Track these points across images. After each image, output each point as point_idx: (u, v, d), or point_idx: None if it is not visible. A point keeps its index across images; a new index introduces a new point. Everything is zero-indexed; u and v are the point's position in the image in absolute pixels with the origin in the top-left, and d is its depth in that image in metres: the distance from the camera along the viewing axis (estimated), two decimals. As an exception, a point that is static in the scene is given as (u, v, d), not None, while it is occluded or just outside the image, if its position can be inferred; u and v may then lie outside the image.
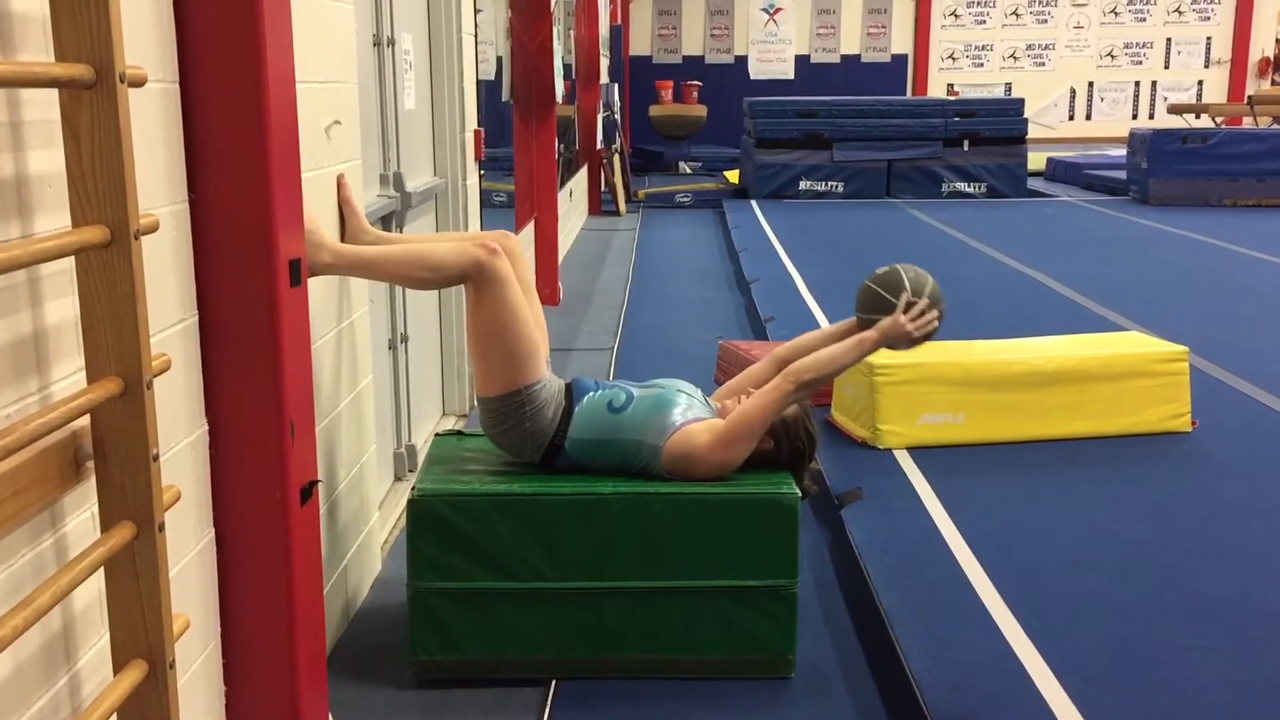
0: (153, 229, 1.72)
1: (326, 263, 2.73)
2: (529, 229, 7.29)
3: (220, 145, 2.15)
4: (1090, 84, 21.33)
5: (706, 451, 2.80)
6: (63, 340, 1.72)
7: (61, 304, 1.72)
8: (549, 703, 2.74)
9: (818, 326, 6.41)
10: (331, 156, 2.91)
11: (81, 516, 1.77)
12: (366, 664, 2.91)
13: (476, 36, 5.20)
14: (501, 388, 2.83)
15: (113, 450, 1.66)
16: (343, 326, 3.05)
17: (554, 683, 2.81)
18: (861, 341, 2.91)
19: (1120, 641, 2.85)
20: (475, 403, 4.95)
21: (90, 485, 1.73)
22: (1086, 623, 2.94)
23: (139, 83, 1.65)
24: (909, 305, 2.90)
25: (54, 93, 1.61)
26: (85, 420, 1.67)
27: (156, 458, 1.68)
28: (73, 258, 1.62)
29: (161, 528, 1.70)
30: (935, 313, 2.93)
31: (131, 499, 1.67)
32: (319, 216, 2.76)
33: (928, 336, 2.94)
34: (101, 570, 1.68)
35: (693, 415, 2.88)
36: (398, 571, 3.28)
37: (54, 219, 1.68)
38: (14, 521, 1.56)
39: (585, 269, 9.07)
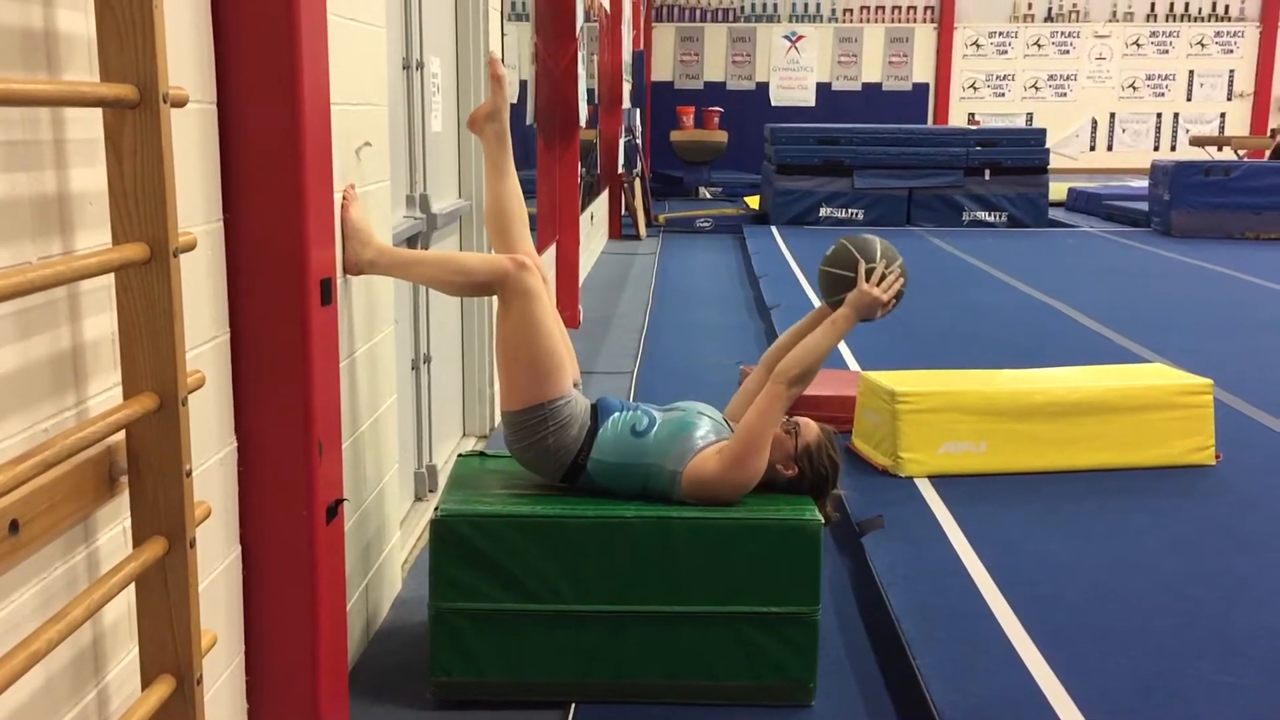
0: (191, 247, 1.74)
1: (370, 260, 2.79)
2: (551, 251, 7.32)
3: (255, 165, 2.18)
4: (1112, 115, 21.32)
5: (719, 475, 2.80)
6: (100, 356, 1.74)
7: (100, 320, 1.74)
8: (568, 726, 2.73)
9: (838, 353, 6.43)
10: (361, 178, 2.94)
11: (114, 531, 1.78)
12: (387, 684, 2.91)
13: (502, 60, 5.24)
14: (524, 402, 2.85)
15: (146, 465, 1.67)
16: (369, 346, 3.06)
17: (573, 706, 2.80)
18: (835, 322, 2.90)
19: (1145, 675, 2.83)
20: (496, 424, 4.97)
21: (123, 500, 1.74)
22: (1111, 656, 2.92)
23: (181, 103, 1.68)
24: (869, 273, 2.91)
25: (97, 111, 1.64)
26: (120, 435, 1.68)
27: (189, 474, 1.70)
28: (112, 274, 1.64)
29: (193, 543, 1.71)
30: (897, 271, 2.93)
31: (164, 514, 1.68)
32: (363, 220, 2.80)
33: (897, 297, 2.94)
34: (132, 585, 1.69)
35: (712, 438, 2.88)
36: (418, 591, 3.29)
37: (94, 236, 1.70)
38: (49, 535, 1.57)
39: (605, 292, 9.09)
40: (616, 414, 2.92)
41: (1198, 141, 16.08)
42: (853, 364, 6.08)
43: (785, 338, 3.12)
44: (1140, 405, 4.42)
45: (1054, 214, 14.24)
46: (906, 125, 15.16)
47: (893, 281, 2.92)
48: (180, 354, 1.66)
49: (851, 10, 20.80)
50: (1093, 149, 21.40)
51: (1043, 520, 3.89)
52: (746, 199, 15.55)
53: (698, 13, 20.89)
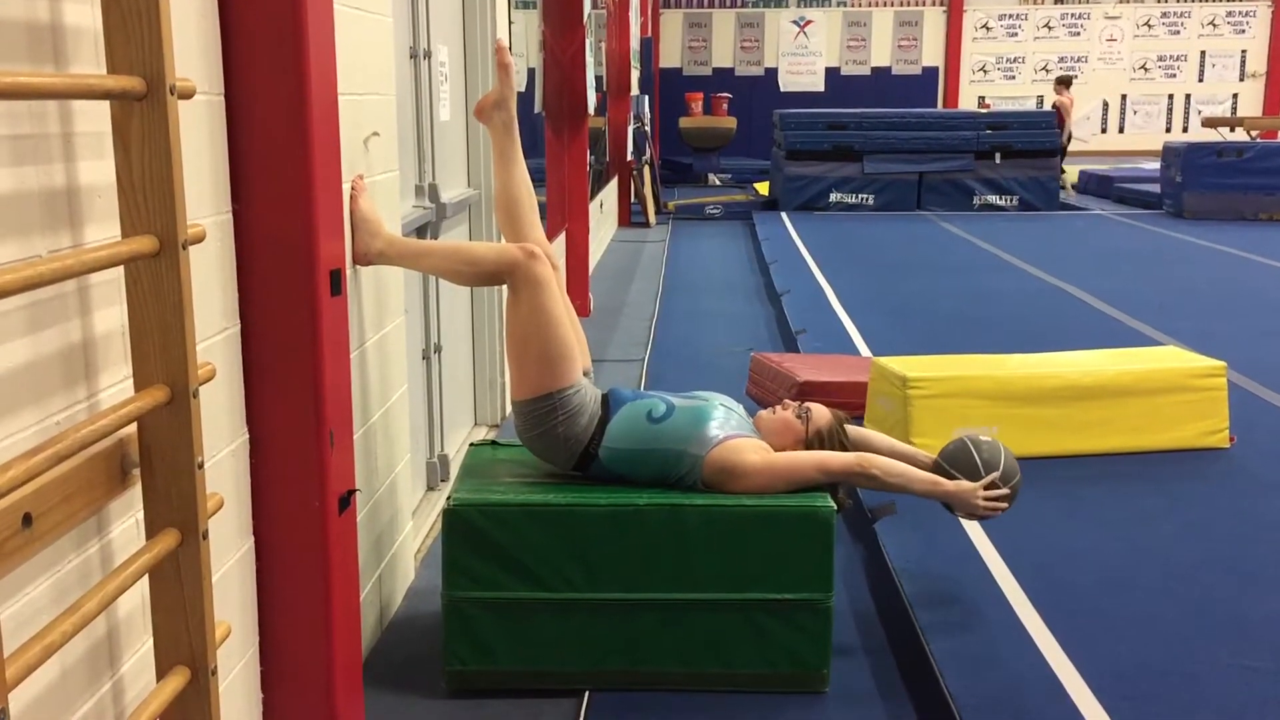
0: (200, 239, 1.74)
1: (379, 250, 2.80)
2: (560, 240, 7.31)
3: (263, 157, 2.18)
4: (1123, 97, 21.21)
5: (752, 472, 2.80)
6: (111, 349, 1.74)
7: (110, 313, 1.74)
8: (582, 714, 2.74)
9: (849, 339, 6.42)
10: (369, 168, 2.93)
11: (126, 524, 1.79)
12: (400, 673, 2.92)
13: (510, 48, 5.23)
14: (534, 390, 2.85)
15: (159, 458, 1.67)
16: (379, 337, 3.06)
17: (587, 694, 2.81)
18: (937, 483, 2.97)
19: (1160, 660, 2.82)
20: (508, 413, 4.97)
21: (136, 492, 1.75)
22: (1125, 641, 2.91)
23: (188, 95, 1.67)
24: (992, 484, 2.97)
25: (104, 104, 1.63)
26: (132, 428, 1.68)
27: (201, 466, 1.70)
28: (122, 267, 1.64)
29: (205, 535, 1.71)
30: (1006, 504, 3.01)
31: (176, 506, 1.69)
32: (372, 210, 2.80)
33: (985, 518, 3.06)
34: (146, 577, 1.70)
35: (732, 428, 2.88)
36: (430, 581, 3.29)
37: (103, 229, 1.70)
38: (62, 528, 1.58)
39: (615, 280, 9.08)
40: (630, 402, 2.92)
41: (1210, 123, 15.99)
42: (864, 350, 6.07)
43: (879, 438, 3.16)
44: (1153, 389, 4.40)
45: (1065, 197, 14.16)
46: (916, 109, 15.09)
47: (993, 506, 2.99)
48: (191, 346, 1.66)
49: (860, -6, 20.72)
50: (1104, 131, 21.29)
51: (1056, 505, 3.87)
52: (756, 185, 15.51)
53: (705, -2, 20.82)
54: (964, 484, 2.97)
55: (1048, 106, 16.39)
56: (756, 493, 2.81)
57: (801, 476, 2.83)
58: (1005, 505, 3.01)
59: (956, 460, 3.03)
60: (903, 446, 3.19)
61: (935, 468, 3.04)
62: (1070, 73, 18.52)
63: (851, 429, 3.09)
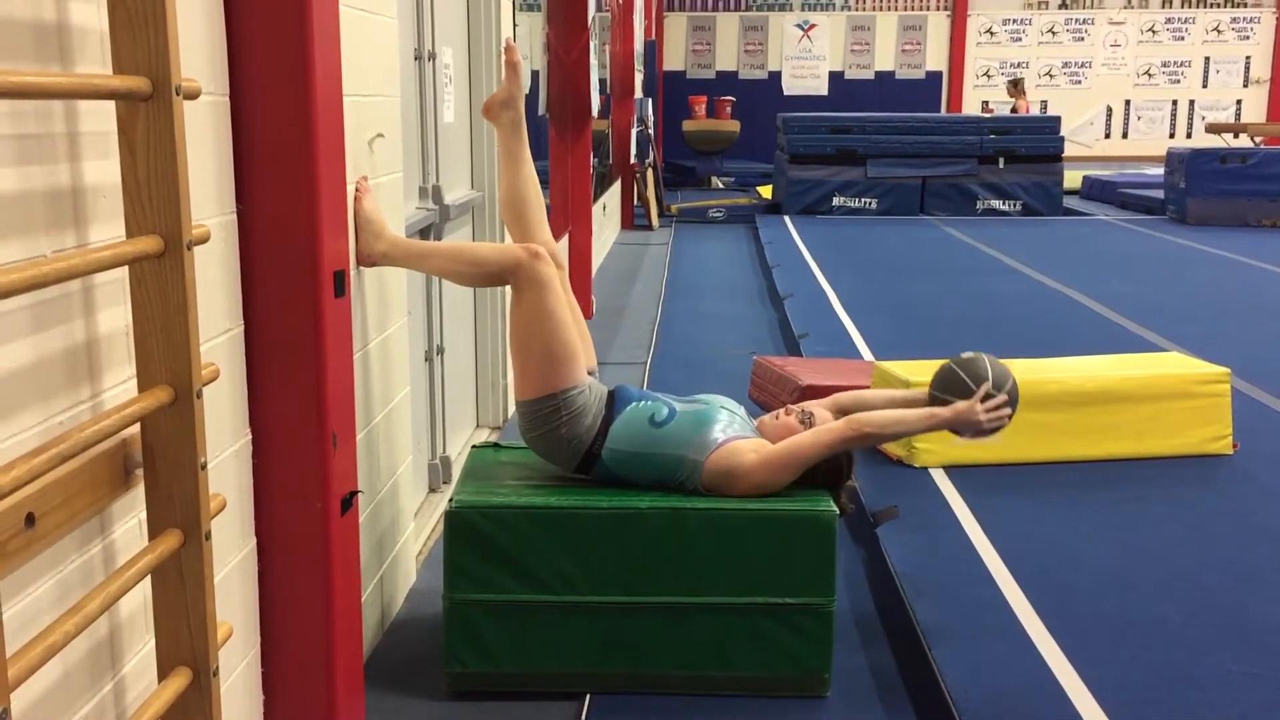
0: (204, 240, 1.74)
1: (383, 251, 2.80)
2: (563, 242, 7.32)
3: (268, 157, 2.18)
4: (1127, 102, 21.19)
5: (750, 470, 2.80)
6: (114, 349, 1.74)
7: (114, 313, 1.74)
8: (583, 716, 2.73)
9: (852, 342, 6.41)
10: (373, 169, 2.94)
11: (129, 524, 1.79)
12: (401, 675, 2.92)
13: (515, 51, 5.23)
14: (537, 391, 2.85)
15: (162, 458, 1.67)
16: (382, 338, 3.06)
17: (588, 696, 2.80)
18: (933, 415, 2.92)
19: (1161, 665, 2.81)
20: (511, 415, 4.98)
21: (138, 493, 1.75)
22: (1127, 645, 2.91)
23: (193, 95, 1.68)
24: (987, 396, 2.91)
25: (109, 104, 1.64)
26: (135, 428, 1.69)
27: (204, 466, 1.70)
28: (126, 268, 1.64)
29: (208, 536, 1.71)
30: (1008, 410, 2.95)
31: (179, 507, 1.69)
32: (376, 212, 2.80)
33: (994, 431, 2.96)
34: (148, 578, 1.70)
35: (734, 432, 2.88)
36: (432, 583, 3.29)
37: (108, 229, 1.70)
38: (65, 528, 1.58)
39: (618, 283, 9.08)
40: (634, 404, 2.91)
41: (1214, 129, 15.98)
42: (867, 353, 6.07)
43: (872, 395, 3.13)
44: (1157, 394, 4.40)
45: (1069, 202, 14.16)
46: (920, 114, 15.08)
47: (997, 418, 2.92)
48: (194, 347, 1.66)
49: (864, -2, 20.73)
50: (1108, 137, 21.27)
51: (1058, 510, 3.87)
52: (759, 189, 15.50)
53: (709, 2, 20.83)
54: (959, 405, 2.91)
55: (1007, 111, 16.21)
56: (758, 490, 2.81)
57: (798, 460, 2.81)
58: (1009, 411, 2.93)
59: (946, 385, 2.96)
60: (897, 393, 3.16)
61: (931, 401, 2.99)
62: (1019, 74, 18.44)
63: (841, 395, 3.07)
